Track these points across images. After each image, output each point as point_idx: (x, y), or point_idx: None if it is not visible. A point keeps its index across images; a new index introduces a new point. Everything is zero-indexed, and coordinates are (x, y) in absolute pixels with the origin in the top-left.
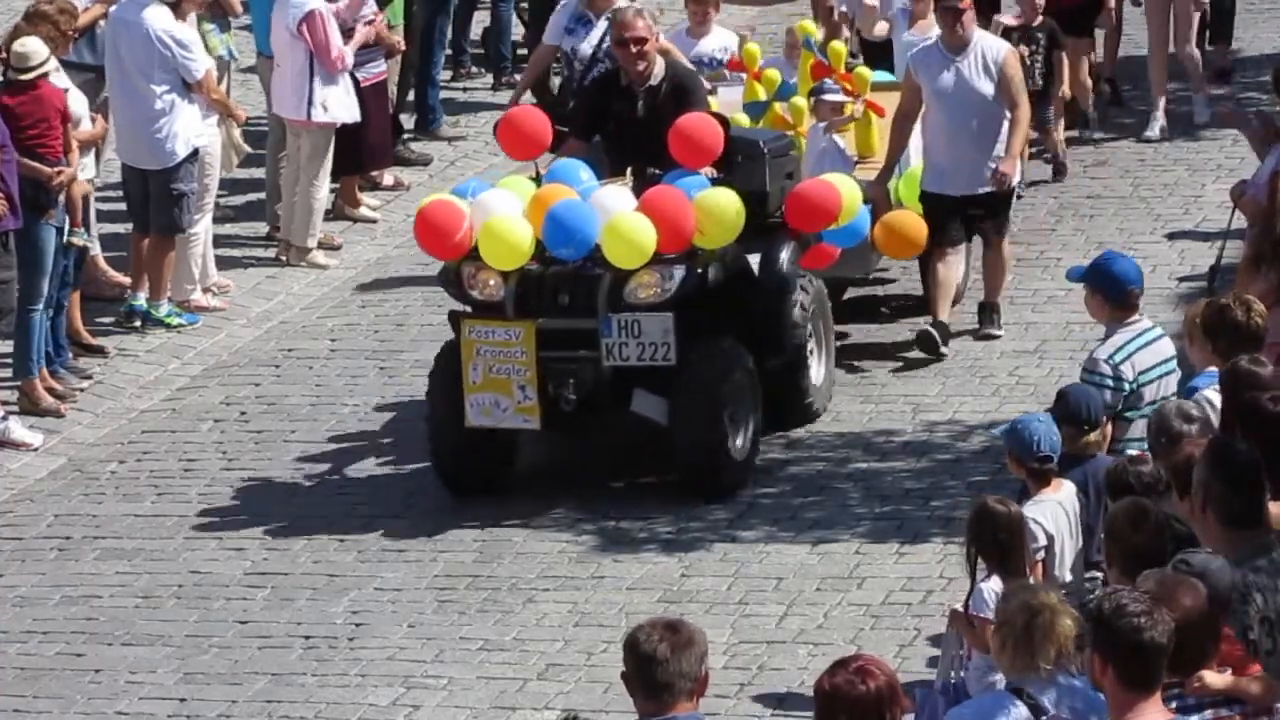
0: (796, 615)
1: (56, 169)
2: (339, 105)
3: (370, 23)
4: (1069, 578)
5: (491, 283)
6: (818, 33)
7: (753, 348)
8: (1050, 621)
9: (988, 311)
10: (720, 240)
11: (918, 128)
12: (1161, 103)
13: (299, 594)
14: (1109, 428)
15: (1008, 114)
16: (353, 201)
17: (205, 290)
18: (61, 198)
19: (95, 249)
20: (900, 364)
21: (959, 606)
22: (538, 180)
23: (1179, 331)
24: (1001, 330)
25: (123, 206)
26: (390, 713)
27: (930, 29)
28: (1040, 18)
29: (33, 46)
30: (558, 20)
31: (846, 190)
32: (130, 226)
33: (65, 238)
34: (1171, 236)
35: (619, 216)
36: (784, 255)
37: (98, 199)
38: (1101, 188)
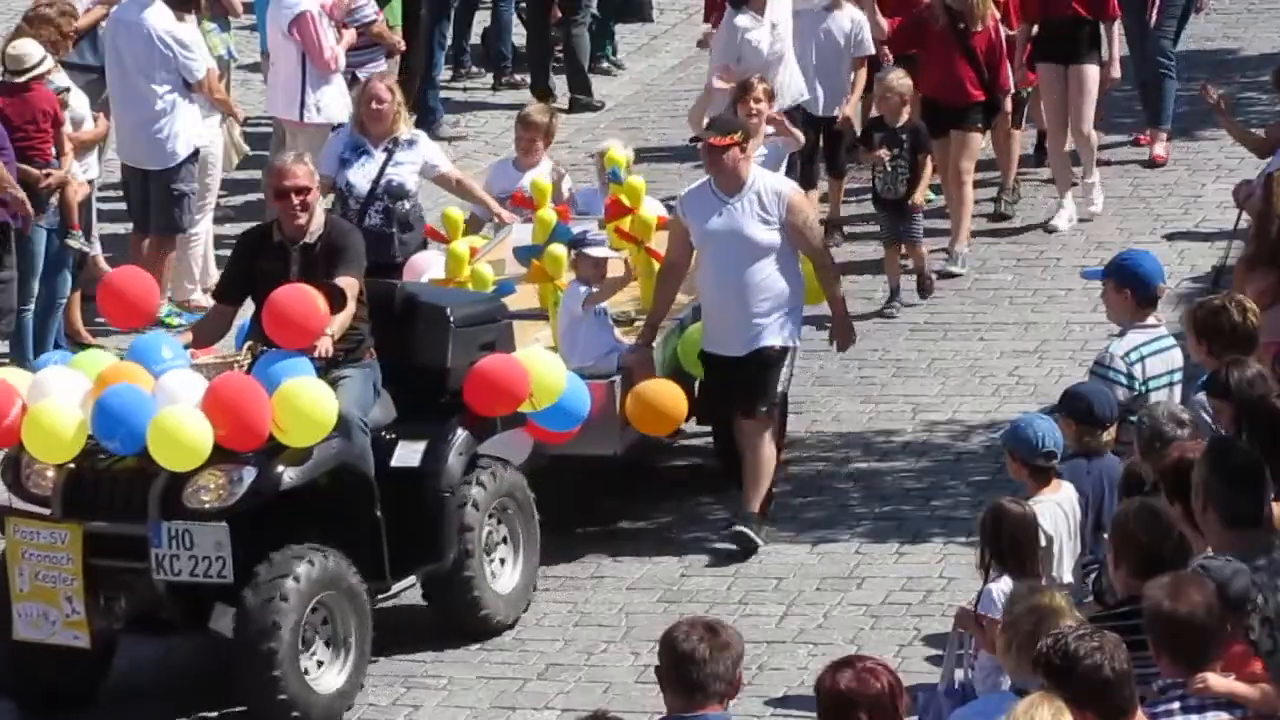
0: (796, 615)
1: (45, 171)
2: (332, 105)
3: (372, 22)
4: (1068, 579)
5: (48, 476)
6: (625, 162)
7: (369, 559)
8: (1056, 624)
9: (747, 521)
10: (307, 438)
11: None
12: (1069, 195)
13: None
14: (1114, 428)
15: (796, 265)
16: None
17: (206, 290)
18: (55, 200)
19: (95, 250)
20: (900, 364)
21: (967, 605)
22: (253, 361)
23: (1179, 331)
24: (761, 543)
25: (123, 206)
26: (390, 713)
27: (758, 148)
28: (905, 117)
29: (26, 49)
30: (331, 149)
31: (543, 369)
32: (130, 226)
33: (63, 241)
34: (1171, 236)
35: (167, 410)
36: (456, 443)
37: (98, 199)
38: (1102, 187)
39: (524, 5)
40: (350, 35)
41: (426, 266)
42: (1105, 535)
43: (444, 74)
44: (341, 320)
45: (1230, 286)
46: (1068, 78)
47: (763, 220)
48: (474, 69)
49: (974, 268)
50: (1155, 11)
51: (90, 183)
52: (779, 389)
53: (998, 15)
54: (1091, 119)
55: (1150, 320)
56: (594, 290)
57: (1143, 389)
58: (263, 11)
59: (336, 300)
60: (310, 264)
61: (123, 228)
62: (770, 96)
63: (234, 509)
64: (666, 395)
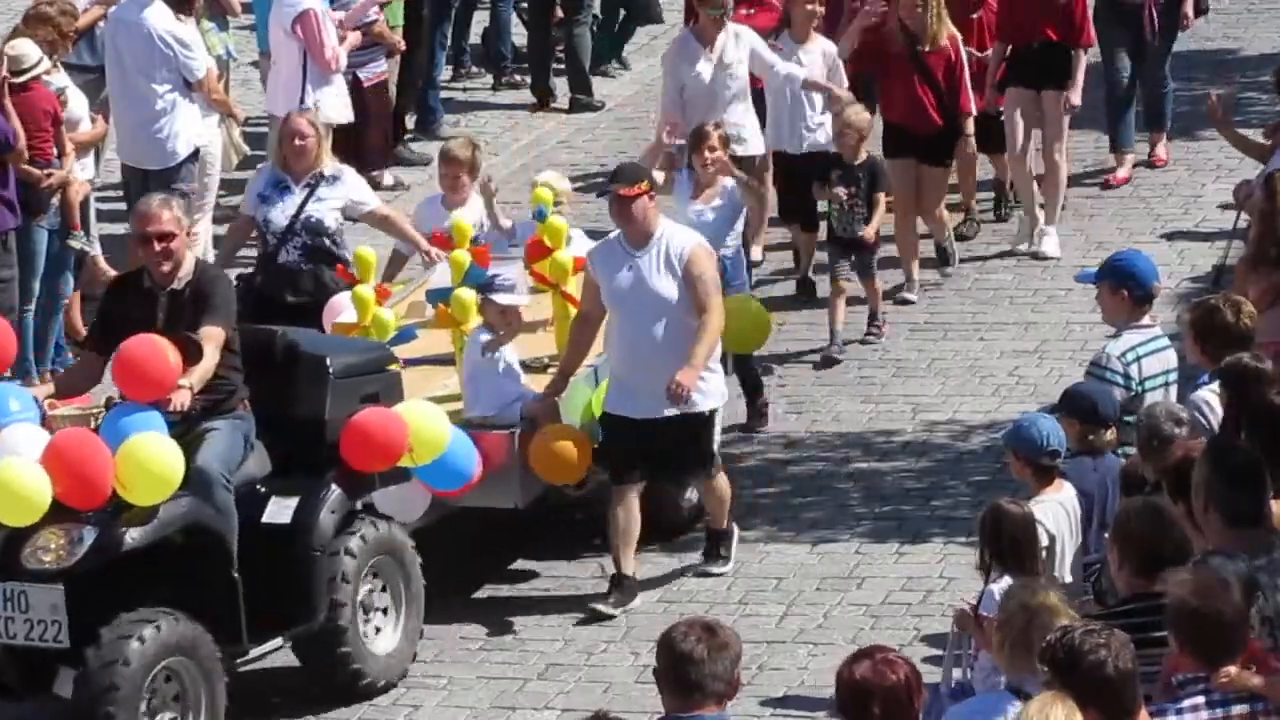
0: (796, 615)
1: (47, 171)
2: (332, 105)
3: (373, 23)
4: (1069, 578)
5: None
6: (552, 199)
7: (225, 622)
8: (1049, 622)
9: (714, 542)
10: (151, 496)
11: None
12: (1040, 215)
13: None
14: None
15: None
16: None
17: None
18: (56, 200)
19: (95, 251)
20: (900, 364)
21: (965, 606)
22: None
23: (1177, 331)
24: (726, 568)
25: (123, 206)
26: (390, 713)
27: (712, 199)
28: (863, 155)
29: (24, 49)
30: (252, 187)
31: (424, 423)
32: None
33: (65, 241)
34: (1171, 236)
35: (3, 463)
36: (328, 499)
37: (97, 199)
38: (1102, 187)
39: (524, 5)
40: (354, 36)
41: (343, 308)
42: (1107, 535)
43: (444, 74)
44: (202, 371)
45: (1230, 286)
46: (1041, 103)
47: (670, 275)
48: (474, 69)
49: (974, 268)
50: (1156, 29)
51: (89, 182)
52: (715, 445)
53: (957, 36)
54: (1064, 147)
55: (1145, 320)
56: (495, 336)
57: (1139, 389)
58: (262, 10)
59: (192, 352)
60: (177, 311)
61: (122, 228)
62: (726, 143)
63: (74, 570)
64: (567, 445)
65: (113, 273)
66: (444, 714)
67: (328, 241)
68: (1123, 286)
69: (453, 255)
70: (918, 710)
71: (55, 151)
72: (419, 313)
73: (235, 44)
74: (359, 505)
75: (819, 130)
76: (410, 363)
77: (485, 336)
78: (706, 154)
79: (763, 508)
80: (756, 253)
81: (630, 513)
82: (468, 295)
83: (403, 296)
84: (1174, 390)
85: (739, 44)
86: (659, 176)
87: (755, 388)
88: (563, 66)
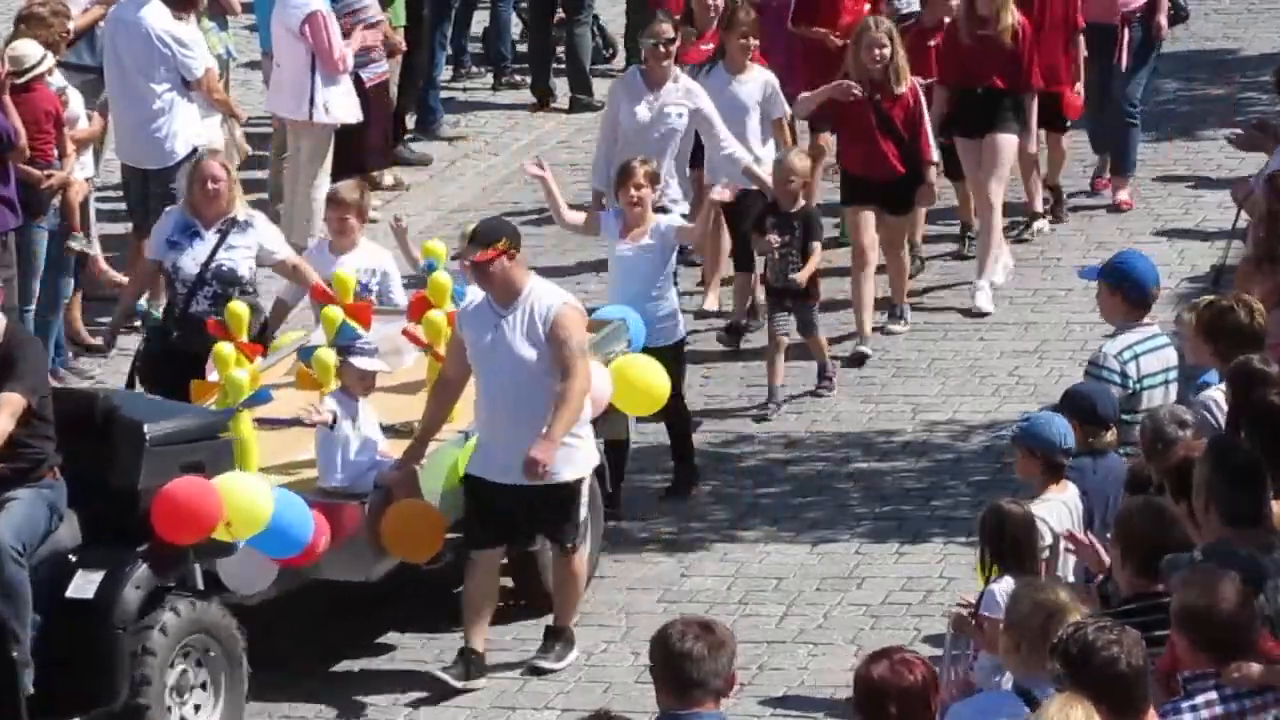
0: (796, 615)
1: (47, 172)
2: (340, 105)
3: (377, 23)
4: (1071, 577)
5: None
6: (444, 256)
7: (7, 706)
8: (1066, 620)
9: (550, 638)
10: None
11: None
12: (995, 265)
13: None
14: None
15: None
16: None
17: None
18: (56, 201)
19: (95, 251)
20: (900, 364)
21: (959, 608)
22: None
23: (1176, 330)
24: (556, 666)
25: (123, 206)
26: (390, 713)
27: (642, 237)
28: (800, 203)
29: (25, 49)
30: (161, 230)
31: (242, 495)
32: (130, 226)
33: (65, 242)
34: (1171, 237)
35: None
36: (134, 574)
37: (97, 199)
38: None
39: (524, 5)
40: (358, 35)
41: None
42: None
43: (444, 74)
44: None
45: (1230, 287)
46: (982, 148)
47: (532, 336)
48: (474, 69)
49: (974, 268)
50: (1126, 55)
51: (88, 181)
52: (581, 516)
53: (917, 83)
54: (1002, 191)
55: (1145, 320)
56: (354, 402)
57: (1136, 388)
58: (264, 11)
59: None
60: None
61: (123, 228)
62: (654, 180)
63: None
64: (420, 518)
65: (113, 273)
66: (444, 714)
67: (239, 291)
68: (1119, 289)
69: (324, 311)
70: (934, 711)
71: (56, 152)
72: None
73: (235, 44)
74: (181, 579)
75: (737, 151)
76: (280, 424)
77: (333, 404)
78: (632, 191)
79: (763, 508)
80: (712, 301)
81: (483, 584)
82: (328, 356)
83: (283, 355)
84: (1174, 389)
85: (687, 97)
86: (577, 218)
87: (688, 459)
88: (563, 66)
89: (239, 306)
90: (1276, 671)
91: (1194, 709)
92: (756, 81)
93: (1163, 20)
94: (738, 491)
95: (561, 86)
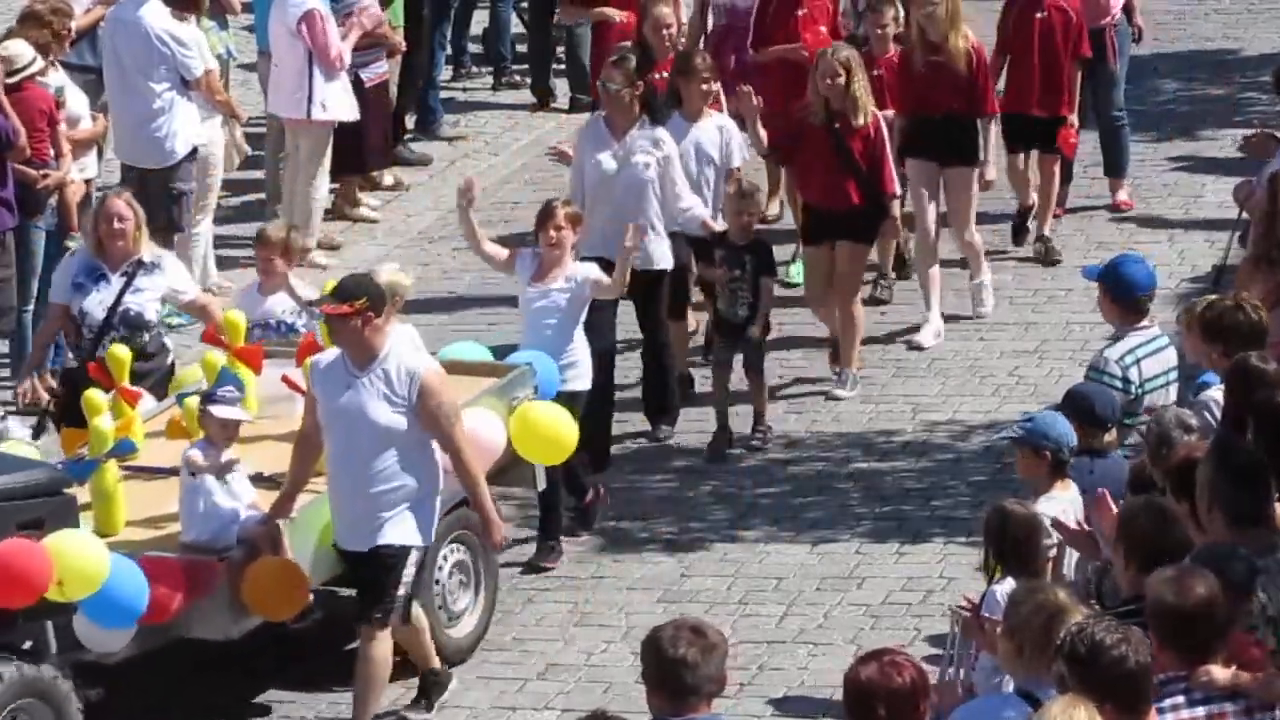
0: (796, 615)
1: (43, 171)
2: (338, 103)
3: (378, 25)
4: (1074, 575)
5: None
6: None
7: None
8: (1068, 621)
9: (423, 685)
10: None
11: None
12: (935, 307)
13: None
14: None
15: (430, 454)
16: (353, 202)
17: (205, 290)
18: (53, 200)
19: None
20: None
21: (960, 608)
22: None
23: (1177, 330)
24: (423, 716)
25: None
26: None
27: (555, 280)
28: (751, 237)
29: (16, 49)
30: (65, 272)
31: (75, 555)
32: None
33: (63, 242)
34: (1171, 236)
35: None
36: None
37: (97, 199)
38: (1102, 188)
39: (524, 5)
40: (354, 34)
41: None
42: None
43: (444, 74)
44: None
45: (1230, 287)
46: (943, 179)
47: (389, 401)
48: (474, 69)
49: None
50: (1115, 57)
51: (89, 182)
52: (399, 593)
53: (879, 114)
54: (973, 224)
55: (1144, 322)
56: (216, 452)
57: (1139, 391)
58: (262, 10)
59: None
60: None
61: None
62: (575, 222)
63: None
64: (281, 577)
65: None
66: (444, 714)
67: (147, 336)
68: (1116, 291)
69: (205, 357)
70: (924, 713)
71: (52, 152)
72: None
73: (235, 44)
74: (9, 642)
75: (695, 208)
76: (158, 474)
77: (195, 453)
78: (551, 233)
79: (763, 508)
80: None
81: (369, 656)
82: (194, 404)
83: (164, 407)
84: (1174, 390)
85: (655, 146)
86: (496, 251)
87: (579, 490)
88: (563, 67)
89: (120, 350)
90: (1244, 678)
91: (1160, 712)
92: (714, 128)
93: (1140, 22)
94: (738, 491)
95: (561, 86)
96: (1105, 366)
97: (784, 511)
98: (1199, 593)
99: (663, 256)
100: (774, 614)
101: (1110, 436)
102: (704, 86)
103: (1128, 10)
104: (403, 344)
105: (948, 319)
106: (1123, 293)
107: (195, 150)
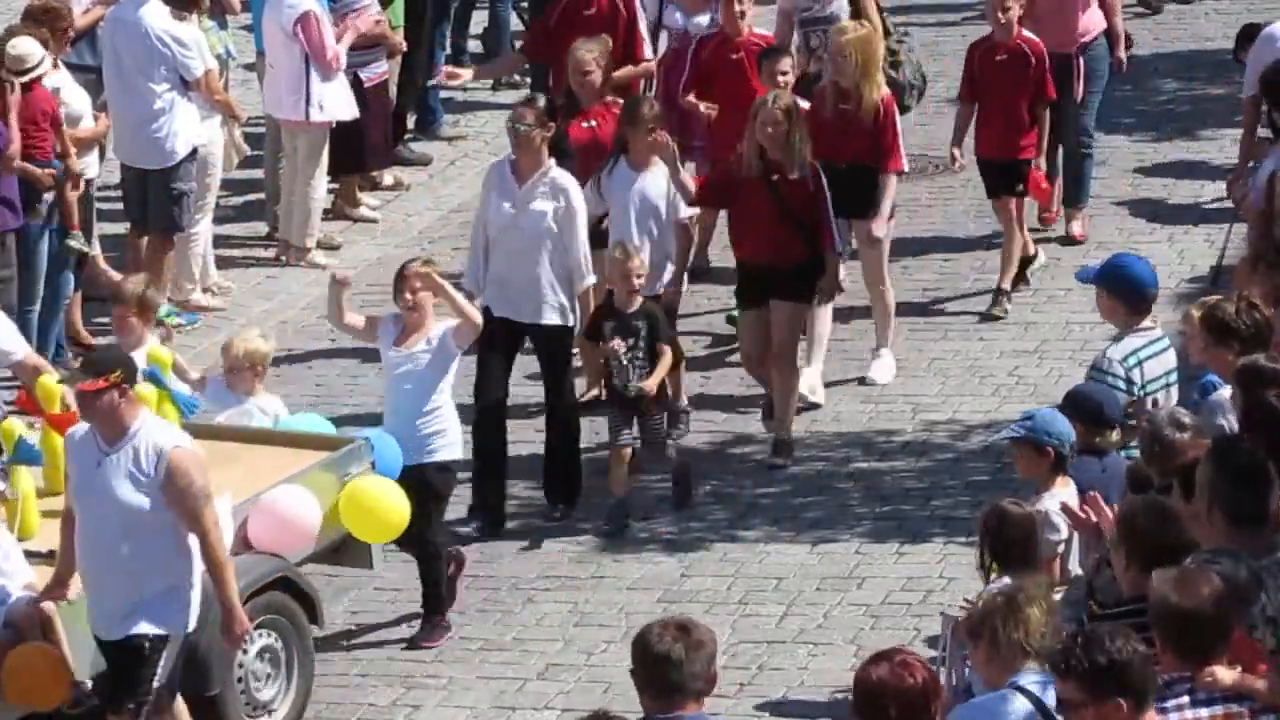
0: (796, 615)
1: (47, 170)
2: (336, 103)
3: (378, 24)
4: (1078, 571)
5: None
6: (167, 363)
7: None
8: (1027, 595)
9: None
10: None
11: None
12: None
13: None
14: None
15: (182, 536)
16: (352, 201)
17: (205, 290)
18: (49, 197)
19: (95, 251)
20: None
21: (955, 612)
22: None
23: (1178, 330)
24: None
25: (122, 206)
26: (390, 713)
27: (416, 344)
28: (638, 302)
29: (27, 49)
30: None
31: None
32: (129, 226)
33: (64, 241)
34: (1171, 236)
35: None
36: None
37: (98, 199)
38: (1101, 187)
39: (524, 5)
40: (350, 35)
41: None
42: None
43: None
44: None
45: (1229, 287)
46: (852, 232)
47: (134, 480)
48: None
49: (974, 267)
50: (1081, 87)
51: (89, 182)
52: (154, 684)
53: (818, 166)
54: (887, 277)
55: (1145, 323)
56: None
57: (1141, 392)
58: (257, 11)
59: None
60: None
61: (123, 227)
62: (431, 282)
63: None
64: (42, 664)
65: (113, 273)
66: (444, 714)
67: None
68: (1118, 293)
69: (3, 425)
70: (934, 714)
71: (55, 151)
72: None
73: (235, 44)
74: None
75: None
76: None
77: None
78: (408, 295)
79: (763, 508)
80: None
81: None
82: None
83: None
84: (1174, 391)
85: (554, 194)
86: (356, 320)
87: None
88: None
89: (49, 381)
90: (1248, 680)
91: (1163, 712)
92: (661, 178)
93: (1122, 55)
94: (738, 491)
95: None
96: (1108, 368)
97: (784, 511)
98: (1202, 593)
99: (562, 312)
100: (774, 614)
101: (1115, 436)
102: (651, 137)
103: (1111, 38)
104: (153, 421)
105: (950, 316)
106: (1131, 292)
107: (195, 150)
